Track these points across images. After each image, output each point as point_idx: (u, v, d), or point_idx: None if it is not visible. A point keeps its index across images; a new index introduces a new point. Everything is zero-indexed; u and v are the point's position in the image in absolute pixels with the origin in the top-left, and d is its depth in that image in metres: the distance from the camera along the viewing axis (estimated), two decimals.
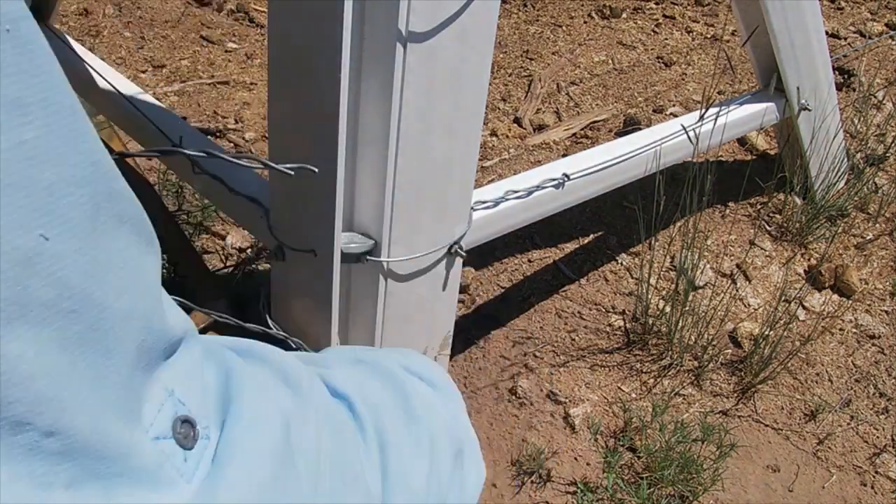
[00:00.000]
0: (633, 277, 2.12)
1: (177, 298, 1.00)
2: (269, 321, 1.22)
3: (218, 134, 2.65)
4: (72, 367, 0.27)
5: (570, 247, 2.22)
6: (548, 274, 2.14)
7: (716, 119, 1.84)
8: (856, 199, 2.34)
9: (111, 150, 2.13)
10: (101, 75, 1.71)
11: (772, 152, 2.52)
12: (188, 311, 1.17)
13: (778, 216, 2.31)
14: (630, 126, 2.68)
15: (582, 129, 2.76)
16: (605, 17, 3.46)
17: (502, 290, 2.10)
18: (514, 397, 1.86)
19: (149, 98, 1.66)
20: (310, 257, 1.10)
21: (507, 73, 3.12)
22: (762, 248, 2.23)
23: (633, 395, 1.87)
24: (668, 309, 1.93)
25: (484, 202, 1.34)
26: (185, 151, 0.64)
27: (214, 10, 3.38)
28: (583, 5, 3.53)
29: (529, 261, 2.18)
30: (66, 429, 0.27)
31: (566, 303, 2.06)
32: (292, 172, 0.61)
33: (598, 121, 2.80)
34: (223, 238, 2.20)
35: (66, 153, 0.29)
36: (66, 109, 0.30)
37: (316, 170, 0.70)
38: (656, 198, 1.82)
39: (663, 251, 2.16)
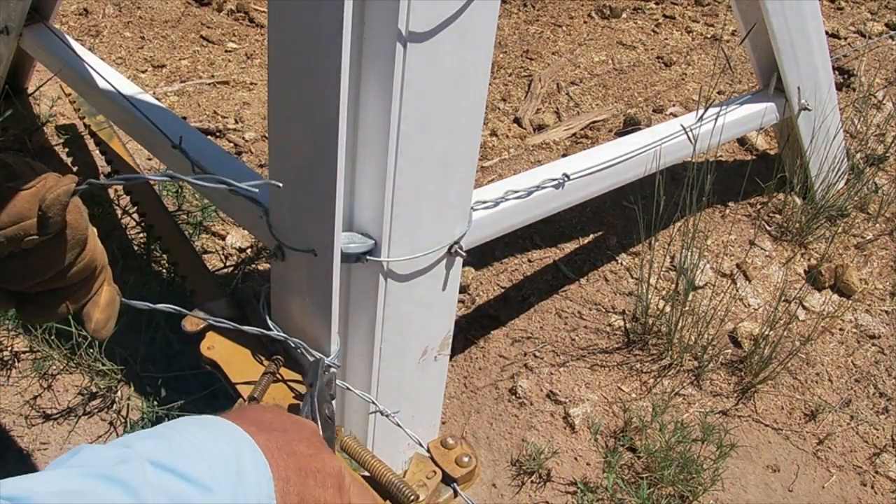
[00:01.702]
0: (633, 277, 2.12)
1: (173, 308, 0.99)
2: (269, 321, 1.22)
3: (218, 134, 2.65)
4: None
5: (570, 247, 2.22)
6: (548, 274, 2.14)
7: (716, 119, 1.84)
8: (856, 199, 2.34)
9: (116, 156, 2.13)
10: (101, 75, 1.71)
11: (772, 152, 2.52)
12: (184, 314, 1.17)
13: (778, 216, 2.31)
14: (630, 126, 2.68)
15: (582, 129, 2.76)
16: (605, 17, 3.46)
17: (502, 290, 2.10)
18: (514, 397, 1.86)
19: (149, 98, 1.66)
20: (310, 257, 1.10)
21: (507, 73, 3.12)
22: (762, 248, 2.23)
23: (633, 395, 1.87)
24: (668, 309, 1.93)
25: (484, 202, 1.34)
26: (148, 176, 0.64)
27: (214, 10, 3.38)
28: (583, 5, 3.53)
29: (529, 261, 2.18)
30: None
31: (566, 303, 2.06)
32: (257, 190, 0.61)
33: (598, 121, 2.80)
34: (223, 238, 2.20)
35: None
36: None
37: (280, 185, 0.69)
38: (656, 198, 1.82)
39: (663, 251, 2.16)
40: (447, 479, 1.08)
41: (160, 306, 0.94)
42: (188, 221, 2.16)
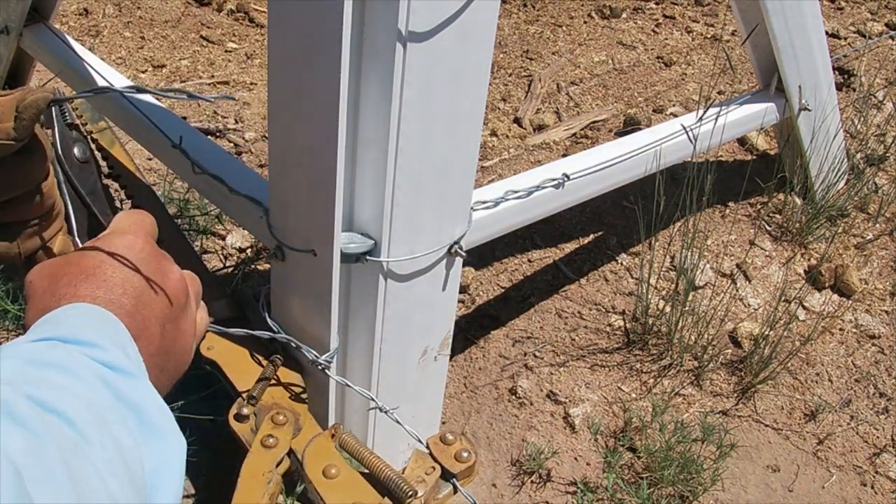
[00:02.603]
0: (633, 277, 2.12)
1: None
2: (269, 321, 1.22)
3: (218, 134, 2.65)
4: None
5: (570, 247, 2.22)
6: (548, 274, 2.14)
7: (716, 119, 1.84)
8: (856, 199, 2.34)
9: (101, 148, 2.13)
10: (101, 75, 1.71)
11: (772, 152, 2.52)
12: None
13: (778, 216, 2.31)
14: (630, 126, 2.68)
15: (582, 129, 2.77)
16: (605, 17, 3.46)
17: (502, 290, 2.10)
18: (514, 397, 1.86)
19: (149, 98, 1.66)
20: (310, 257, 1.10)
21: (507, 73, 3.12)
22: (762, 248, 2.23)
23: (633, 395, 1.87)
24: (668, 309, 1.93)
25: (484, 202, 1.34)
26: (116, 88, 0.63)
27: (214, 10, 3.38)
28: (583, 5, 3.54)
29: (529, 261, 2.18)
30: None
31: (566, 303, 2.06)
32: (211, 99, 0.61)
33: (598, 121, 2.80)
34: (223, 238, 2.20)
35: None
36: None
37: (235, 98, 0.70)
38: (656, 198, 1.82)
39: (663, 251, 2.16)
40: (446, 475, 1.08)
41: None
42: (188, 223, 2.16)
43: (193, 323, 0.65)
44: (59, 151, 0.78)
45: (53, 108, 0.80)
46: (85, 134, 0.95)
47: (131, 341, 0.55)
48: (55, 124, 0.82)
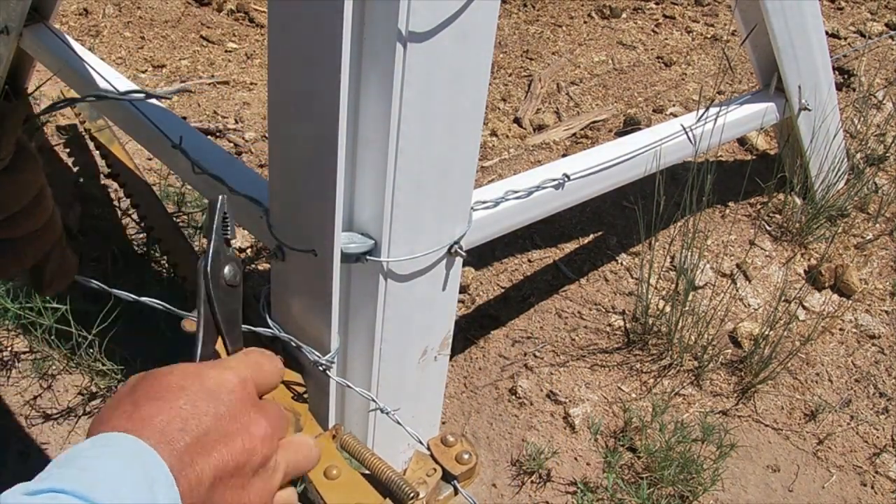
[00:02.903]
0: (633, 277, 2.12)
1: (159, 303, 0.99)
2: (269, 321, 1.22)
3: (218, 134, 2.65)
4: None
5: (570, 247, 2.22)
6: (548, 274, 2.14)
7: (716, 119, 1.84)
8: (856, 199, 2.34)
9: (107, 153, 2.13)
10: (101, 75, 1.71)
11: (772, 152, 2.52)
12: (182, 317, 1.17)
13: (778, 216, 2.31)
14: (630, 126, 2.68)
15: (582, 129, 2.76)
16: (605, 17, 3.46)
17: (502, 290, 2.10)
18: (513, 397, 1.86)
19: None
20: (310, 257, 1.10)
21: (507, 73, 3.12)
22: (762, 248, 2.23)
23: (633, 395, 1.87)
24: (668, 309, 1.93)
25: (484, 202, 1.34)
26: (81, 98, 0.63)
27: (214, 10, 3.38)
28: (583, 5, 3.54)
29: (529, 261, 2.18)
30: None
31: (566, 303, 2.06)
32: (172, 98, 0.61)
33: (598, 121, 2.80)
34: None
35: None
36: None
37: (192, 90, 0.69)
38: (656, 198, 1.82)
39: (663, 251, 2.16)
40: (447, 477, 1.08)
41: (144, 299, 0.94)
42: (188, 223, 2.16)
43: (270, 495, 0.57)
44: (208, 269, 0.71)
45: (217, 217, 0.72)
46: (229, 241, 0.80)
47: (167, 478, 0.48)
48: (213, 236, 0.73)
